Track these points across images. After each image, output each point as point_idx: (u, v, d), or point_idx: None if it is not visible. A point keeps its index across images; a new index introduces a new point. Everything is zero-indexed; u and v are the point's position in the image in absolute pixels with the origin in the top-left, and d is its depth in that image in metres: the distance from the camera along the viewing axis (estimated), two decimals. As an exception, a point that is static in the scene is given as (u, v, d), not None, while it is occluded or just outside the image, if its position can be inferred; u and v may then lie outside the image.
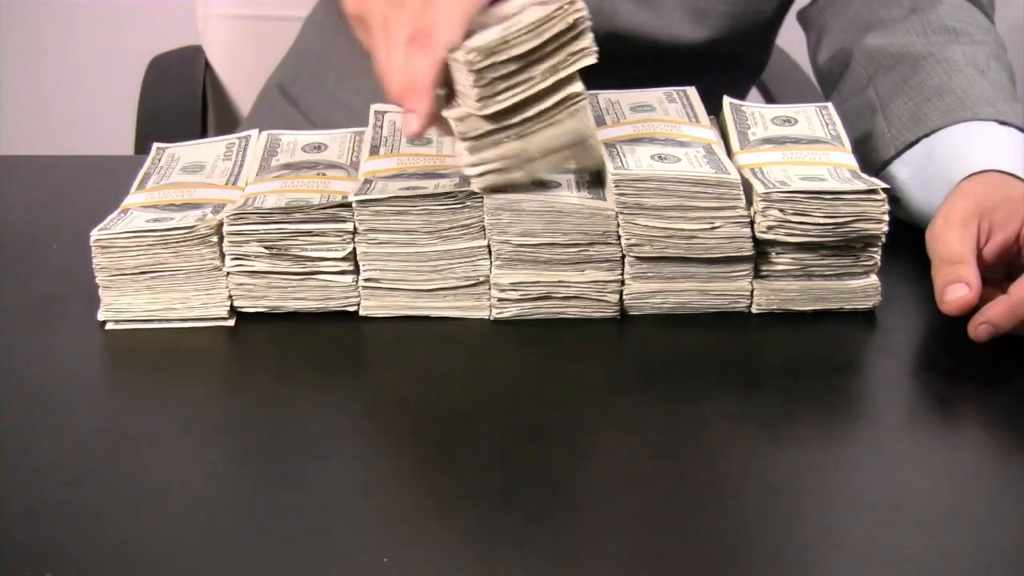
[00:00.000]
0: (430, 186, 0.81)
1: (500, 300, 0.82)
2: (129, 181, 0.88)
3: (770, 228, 0.79)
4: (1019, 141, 0.88)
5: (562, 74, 0.77)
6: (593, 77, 0.79)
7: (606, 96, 0.91)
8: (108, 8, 1.14)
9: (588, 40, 0.77)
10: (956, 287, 0.79)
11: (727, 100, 0.90)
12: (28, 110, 1.70)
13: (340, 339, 0.81)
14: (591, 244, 0.80)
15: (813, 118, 0.90)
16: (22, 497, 0.66)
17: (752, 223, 0.79)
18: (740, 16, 1.06)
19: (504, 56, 0.76)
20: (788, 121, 0.89)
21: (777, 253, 0.81)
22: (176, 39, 1.45)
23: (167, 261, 0.80)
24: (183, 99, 1.35)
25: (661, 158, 0.81)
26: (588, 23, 0.77)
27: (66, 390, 0.76)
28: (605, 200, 0.80)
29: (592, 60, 0.77)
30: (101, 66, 1.63)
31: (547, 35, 0.76)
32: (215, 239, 0.80)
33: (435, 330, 0.82)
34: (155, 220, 0.82)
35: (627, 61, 0.91)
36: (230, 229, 0.79)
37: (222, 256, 0.80)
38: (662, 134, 0.85)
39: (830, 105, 0.91)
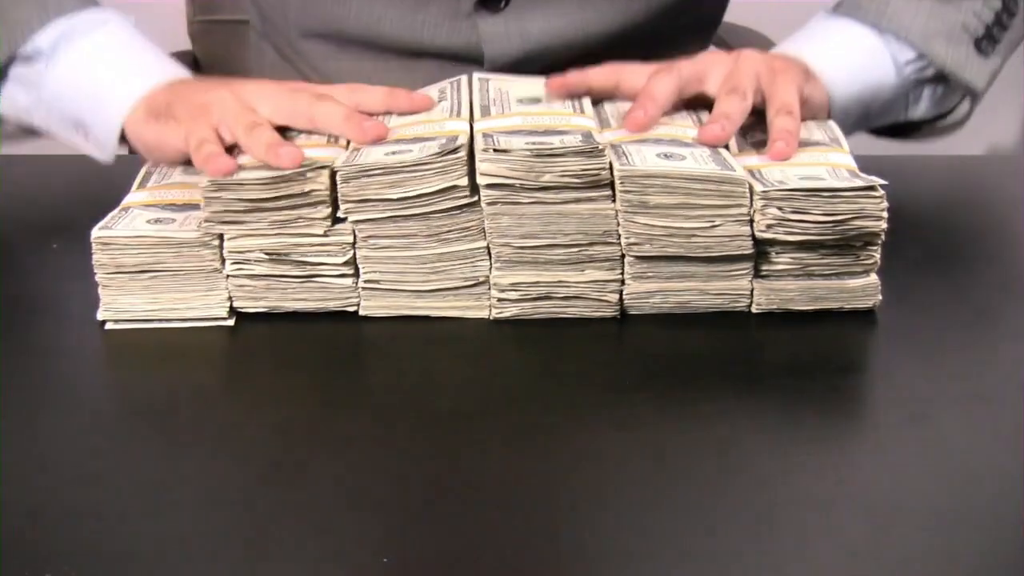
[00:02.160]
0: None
1: (500, 300, 0.81)
2: (127, 180, 0.89)
3: (769, 227, 0.79)
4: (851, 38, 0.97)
5: (291, 230, 0.80)
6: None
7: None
8: None
9: (323, 211, 0.79)
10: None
11: None
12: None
13: (340, 338, 0.81)
14: (591, 244, 0.80)
15: (811, 126, 0.90)
16: (22, 497, 0.66)
17: (751, 222, 0.79)
18: None
19: (233, 195, 0.78)
20: None
21: (776, 252, 0.81)
22: (168, 44, 1.34)
23: (167, 261, 0.80)
24: None
25: (667, 156, 0.81)
26: (325, 195, 0.79)
27: (66, 390, 0.76)
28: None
29: (319, 231, 0.80)
30: None
31: (282, 191, 0.79)
32: (215, 242, 0.80)
33: (435, 329, 0.82)
34: (156, 221, 0.81)
35: (562, 65, 0.93)
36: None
37: (222, 259, 0.80)
38: (668, 136, 0.84)
39: (831, 122, 0.91)
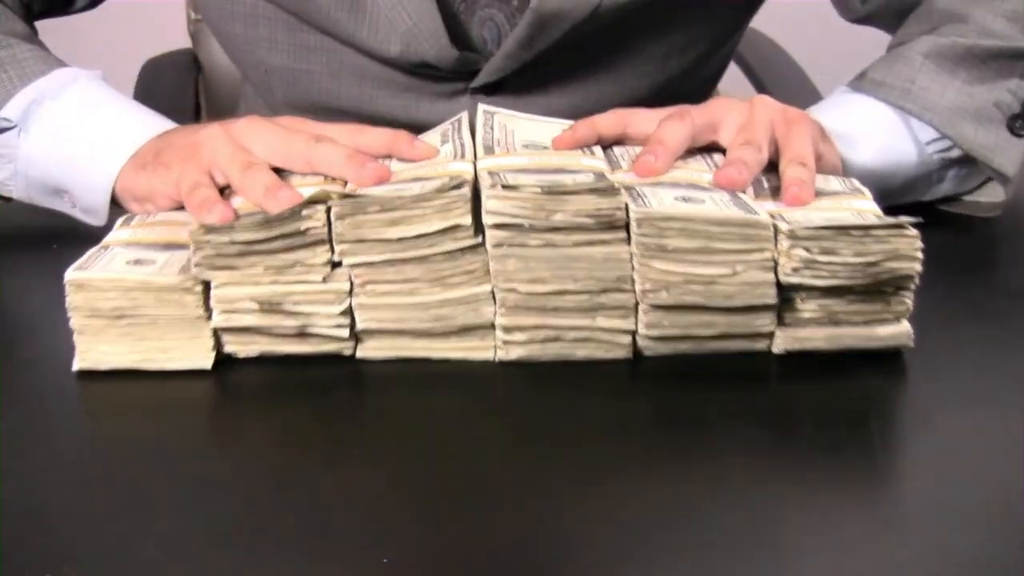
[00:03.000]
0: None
1: (505, 342, 0.76)
2: None
3: (796, 270, 0.73)
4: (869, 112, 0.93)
5: (285, 278, 0.74)
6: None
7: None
8: (102, 11, 1.13)
9: (323, 255, 0.74)
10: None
11: None
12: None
13: (334, 379, 0.76)
14: (603, 291, 0.75)
15: (830, 178, 0.85)
16: (22, 497, 0.64)
17: (776, 268, 0.74)
18: None
19: (224, 237, 0.73)
20: None
21: (802, 299, 0.75)
22: (170, 42, 1.47)
23: (147, 307, 0.74)
24: (176, 101, 1.36)
25: (685, 200, 0.75)
26: (323, 234, 0.74)
27: (67, 392, 0.74)
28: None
29: (318, 278, 0.74)
30: (95, 67, 1.61)
31: (276, 231, 0.73)
32: (199, 288, 0.74)
33: (436, 369, 0.76)
34: (136, 262, 0.76)
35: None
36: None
37: (206, 306, 0.75)
38: (684, 179, 0.79)
39: (854, 179, 0.86)
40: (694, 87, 1.14)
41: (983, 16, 0.97)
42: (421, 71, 1.02)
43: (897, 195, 0.95)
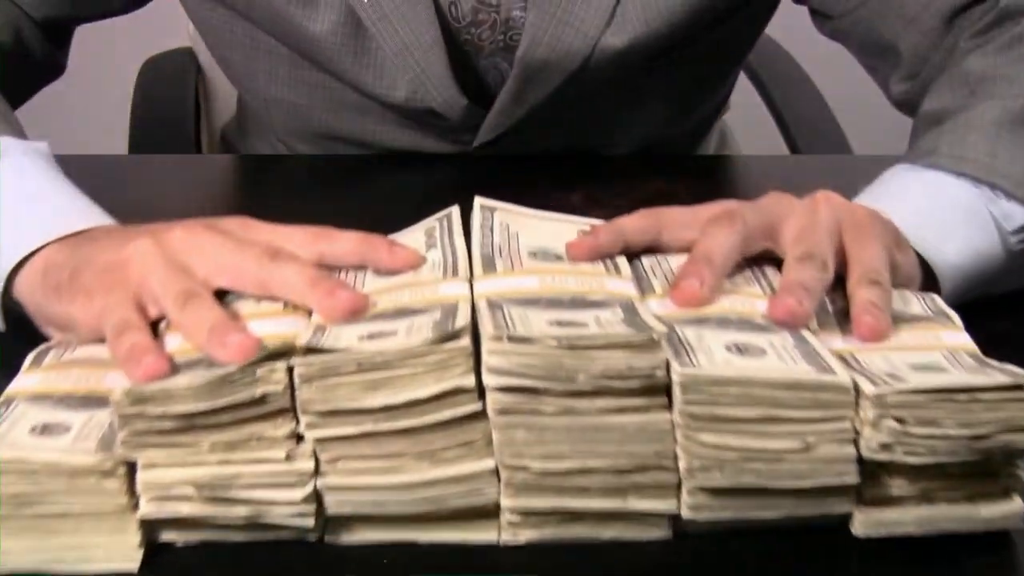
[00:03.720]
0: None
1: (512, 523, 0.60)
2: (123, 180, 0.83)
3: (884, 446, 0.58)
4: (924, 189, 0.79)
5: (235, 457, 0.58)
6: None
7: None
8: None
9: (284, 427, 0.58)
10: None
11: None
12: (22, 110, 1.81)
13: (302, 568, 0.60)
14: (638, 469, 0.59)
15: (909, 298, 0.69)
16: None
17: (857, 437, 0.58)
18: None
19: (158, 408, 0.57)
20: None
21: (889, 475, 0.60)
22: (170, 40, 1.46)
23: (57, 494, 0.58)
24: (176, 100, 1.35)
25: (740, 349, 0.59)
26: (285, 401, 0.58)
27: None
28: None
29: (280, 455, 0.59)
30: (94, 67, 1.62)
31: (225, 399, 0.57)
32: (123, 471, 0.58)
33: (426, 555, 0.61)
34: (43, 429, 0.60)
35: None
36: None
37: (132, 492, 0.59)
38: (732, 312, 0.63)
39: (936, 298, 0.70)
40: (703, 116, 1.12)
41: None
42: (426, 118, 1.00)
43: (981, 288, 0.79)
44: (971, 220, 0.78)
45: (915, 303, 0.68)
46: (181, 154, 1.25)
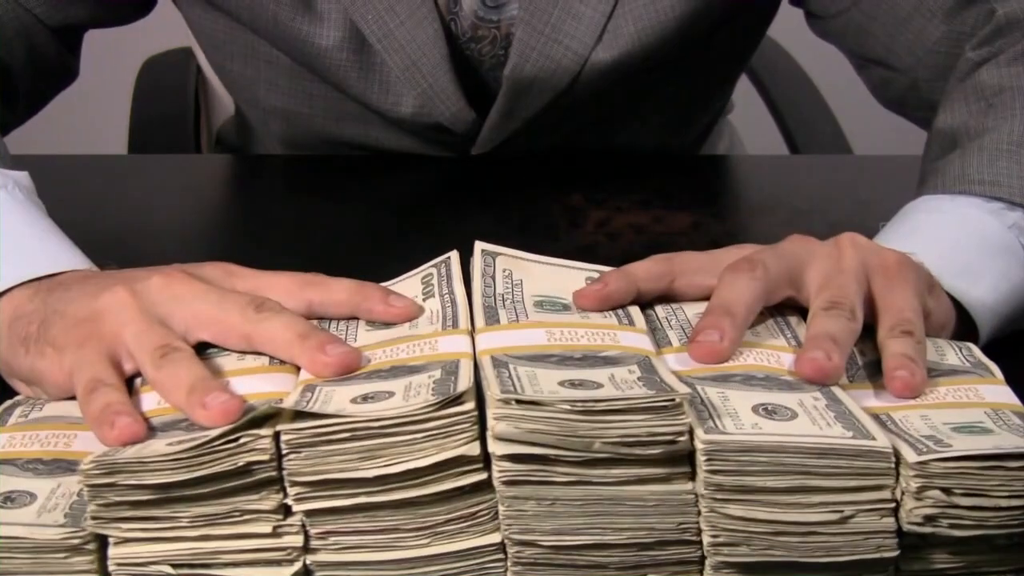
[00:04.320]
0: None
1: None
2: (123, 180, 0.81)
3: (928, 519, 0.53)
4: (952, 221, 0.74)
5: (217, 531, 0.53)
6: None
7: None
8: None
9: (271, 499, 0.53)
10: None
11: None
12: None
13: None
14: (658, 545, 0.54)
15: (944, 348, 0.64)
16: None
17: (897, 507, 0.53)
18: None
19: (132, 479, 0.52)
20: None
21: (932, 548, 0.55)
22: (170, 40, 1.44)
23: (20, 571, 0.53)
24: (176, 100, 1.34)
25: (768, 412, 0.54)
26: (272, 471, 0.53)
27: None
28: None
29: (265, 530, 0.54)
30: (94, 66, 1.55)
31: (205, 469, 0.52)
32: (92, 545, 0.53)
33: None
34: (5, 499, 0.55)
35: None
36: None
37: (104, 570, 0.53)
38: (758, 367, 0.58)
39: (973, 347, 0.65)
40: (703, 125, 1.11)
41: None
42: (430, 132, 0.98)
43: (1015, 325, 0.74)
44: (1003, 255, 0.73)
45: (951, 354, 0.64)
46: (181, 154, 1.24)
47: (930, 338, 0.64)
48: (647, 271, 0.65)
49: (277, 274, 0.64)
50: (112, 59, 1.55)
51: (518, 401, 0.52)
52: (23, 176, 0.75)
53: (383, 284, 0.65)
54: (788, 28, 1.12)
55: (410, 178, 1.01)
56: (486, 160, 1.01)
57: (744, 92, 1.34)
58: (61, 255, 0.69)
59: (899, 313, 0.63)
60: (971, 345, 0.65)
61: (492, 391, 0.53)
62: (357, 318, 0.63)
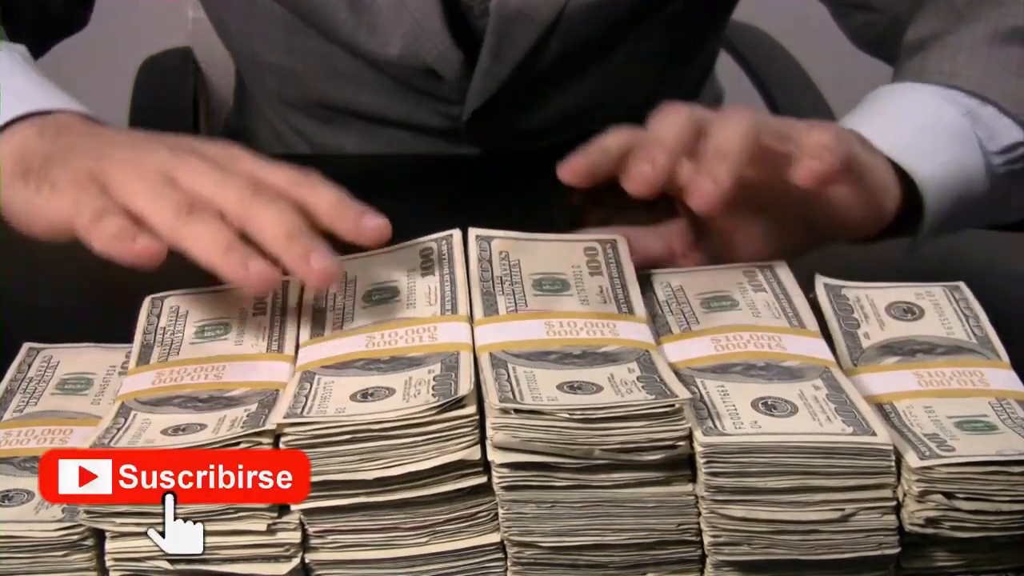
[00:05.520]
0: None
1: None
2: None
3: (931, 521, 0.53)
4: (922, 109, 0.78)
5: (220, 525, 0.53)
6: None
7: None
8: (100, 9, 1.08)
9: None
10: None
11: (820, 280, 0.65)
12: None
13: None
14: (658, 545, 0.53)
15: (945, 306, 0.64)
16: None
17: (898, 507, 0.53)
18: None
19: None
20: (910, 311, 0.63)
21: (933, 547, 0.54)
22: (169, 40, 1.46)
23: (18, 571, 0.53)
24: (175, 100, 1.34)
25: (768, 407, 0.54)
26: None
27: None
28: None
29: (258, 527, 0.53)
30: (93, 66, 1.64)
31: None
32: (90, 541, 0.53)
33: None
34: (2, 497, 0.54)
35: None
36: None
37: (102, 568, 0.53)
38: (758, 354, 0.58)
39: (962, 285, 0.65)
40: (688, 84, 1.12)
41: None
42: (419, 81, 0.98)
43: (964, 214, 0.77)
44: (956, 138, 0.77)
45: (957, 326, 0.63)
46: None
47: (937, 308, 0.63)
48: (613, 139, 0.66)
49: (274, 166, 0.64)
50: (112, 59, 1.58)
51: (517, 410, 0.52)
52: (22, 48, 0.77)
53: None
54: (787, 25, 1.11)
55: (410, 178, 1.01)
56: (486, 159, 1.01)
57: (744, 91, 1.34)
58: (62, 98, 0.70)
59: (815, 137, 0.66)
60: (979, 313, 0.64)
61: (491, 399, 0.53)
62: (354, 292, 0.63)
